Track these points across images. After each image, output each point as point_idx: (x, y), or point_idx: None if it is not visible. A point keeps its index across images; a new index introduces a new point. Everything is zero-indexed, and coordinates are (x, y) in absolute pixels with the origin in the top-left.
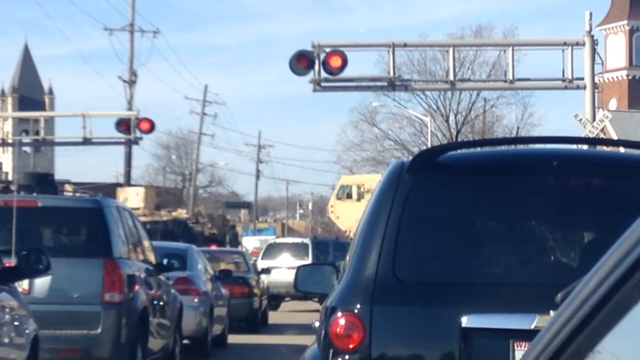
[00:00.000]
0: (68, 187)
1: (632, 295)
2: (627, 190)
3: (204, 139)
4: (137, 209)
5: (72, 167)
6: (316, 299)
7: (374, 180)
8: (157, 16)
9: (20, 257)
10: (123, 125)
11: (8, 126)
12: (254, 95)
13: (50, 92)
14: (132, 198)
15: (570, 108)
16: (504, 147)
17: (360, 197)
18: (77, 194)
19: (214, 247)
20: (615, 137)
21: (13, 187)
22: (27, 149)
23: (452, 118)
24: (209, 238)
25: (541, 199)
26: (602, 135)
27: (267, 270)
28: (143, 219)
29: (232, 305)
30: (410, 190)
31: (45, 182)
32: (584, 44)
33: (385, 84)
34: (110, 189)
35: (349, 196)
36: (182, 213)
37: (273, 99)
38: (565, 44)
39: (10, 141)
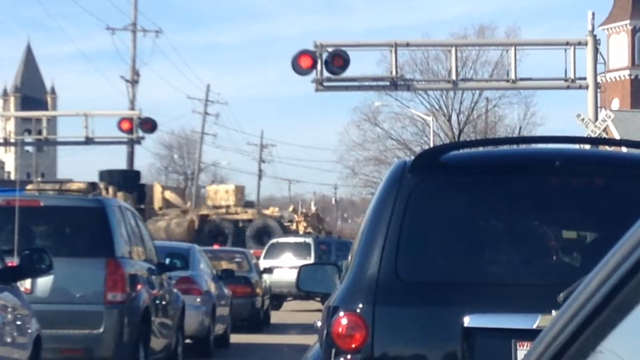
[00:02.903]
0: (158, 185)
1: (634, 294)
2: (629, 190)
3: (207, 138)
4: (227, 206)
5: (75, 166)
6: (318, 299)
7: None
8: (160, 15)
9: (23, 257)
10: (125, 124)
11: (10, 126)
12: (256, 94)
13: (53, 91)
14: (222, 196)
15: (573, 108)
16: (506, 147)
17: None
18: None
19: (216, 247)
20: (617, 137)
21: (101, 186)
22: (30, 148)
23: (454, 118)
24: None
25: (543, 198)
26: (604, 135)
27: (269, 270)
28: (234, 217)
29: (235, 304)
30: (412, 189)
31: (133, 180)
32: (586, 44)
33: (387, 83)
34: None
35: None
36: (274, 211)
37: (275, 98)
38: (567, 43)
39: (12, 141)
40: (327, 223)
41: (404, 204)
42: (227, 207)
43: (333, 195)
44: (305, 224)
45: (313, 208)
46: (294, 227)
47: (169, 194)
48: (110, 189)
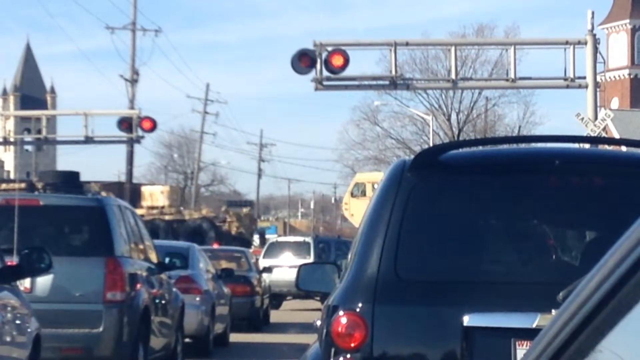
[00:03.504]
0: (94, 186)
1: (633, 294)
2: (629, 189)
3: (206, 137)
4: (162, 207)
5: (74, 165)
6: (318, 298)
7: None
8: (159, 14)
9: (22, 256)
10: (125, 123)
11: (10, 125)
12: (255, 93)
13: (52, 90)
14: (157, 197)
15: (572, 107)
16: (505, 146)
17: None
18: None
19: (216, 246)
20: (617, 136)
21: (39, 185)
22: (29, 147)
23: (453, 117)
24: (237, 237)
25: (543, 197)
26: (603, 134)
27: (268, 269)
28: (168, 217)
29: (234, 304)
30: (411, 189)
31: (71, 181)
32: (585, 43)
33: (387, 82)
34: (112, 188)
35: (364, 194)
36: (208, 212)
37: (275, 97)
38: (567, 42)
39: (12, 140)
40: (329, 223)
41: (403, 203)
42: (162, 207)
43: (333, 195)
44: (237, 224)
45: (312, 206)
46: (226, 227)
47: (104, 195)
48: (48, 190)
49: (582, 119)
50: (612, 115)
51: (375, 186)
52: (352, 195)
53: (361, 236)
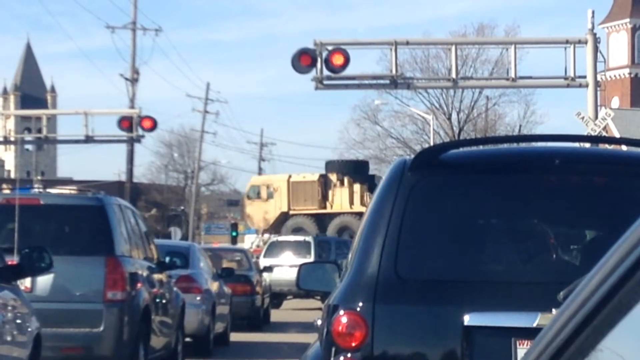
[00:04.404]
0: (6, 187)
1: (634, 293)
2: (629, 188)
3: (206, 136)
4: None
5: (75, 165)
6: (318, 297)
7: (282, 180)
8: (159, 13)
9: (23, 255)
10: (125, 123)
11: (10, 124)
12: (256, 92)
13: (53, 90)
14: None
15: (573, 106)
16: (506, 146)
17: (269, 196)
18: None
19: (216, 245)
20: (617, 135)
21: None
22: (30, 147)
23: (454, 116)
24: None
25: (543, 197)
26: (604, 134)
27: (269, 268)
28: None
29: (234, 303)
30: (412, 188)
31: None
32: (586, 42)
33: (387, 81)
34: (112, 187)
35: (258, 196)
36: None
37: (275, 96)
38: (567, 42)
39: (12, 139)
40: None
41: (404, 202)
42: None
43: None
44: None
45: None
46: None
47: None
48: None
49: (583, 118)
50: (612, 115)
51: (270, 189)
52: (248, 197)
53: (362, 235)
